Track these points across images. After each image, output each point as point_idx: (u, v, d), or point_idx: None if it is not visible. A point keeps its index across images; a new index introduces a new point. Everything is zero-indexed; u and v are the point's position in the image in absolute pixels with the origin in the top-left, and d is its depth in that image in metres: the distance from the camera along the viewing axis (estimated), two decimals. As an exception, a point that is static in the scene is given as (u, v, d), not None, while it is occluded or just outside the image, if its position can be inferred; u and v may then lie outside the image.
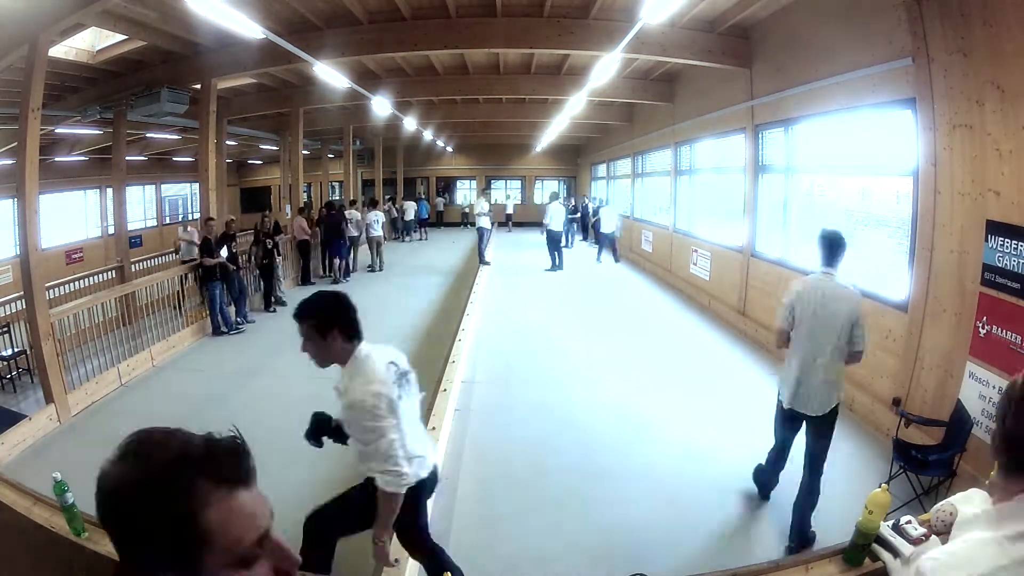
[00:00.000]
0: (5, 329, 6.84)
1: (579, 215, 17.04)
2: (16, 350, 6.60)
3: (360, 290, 9.96)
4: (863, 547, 1.60)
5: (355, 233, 12.21)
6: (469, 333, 6.74)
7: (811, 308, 3.00)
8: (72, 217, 15.81)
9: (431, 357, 6.02)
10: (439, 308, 9.00)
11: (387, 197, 20.40)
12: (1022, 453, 0.98)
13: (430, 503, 2.65)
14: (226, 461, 0.67)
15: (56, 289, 8.21)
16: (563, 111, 11.59)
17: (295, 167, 11.92)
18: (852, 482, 3.70)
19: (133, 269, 10.09)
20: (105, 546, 1.68)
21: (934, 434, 3.70)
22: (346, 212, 12.19)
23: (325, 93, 10.65)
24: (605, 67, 7.05)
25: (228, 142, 13.31)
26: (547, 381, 5.64)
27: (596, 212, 14.89)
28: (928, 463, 3.29)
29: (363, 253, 13.03)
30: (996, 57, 3.40)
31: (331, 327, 2.00)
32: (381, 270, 12.73)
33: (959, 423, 3.44)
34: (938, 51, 3.89)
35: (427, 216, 20.84)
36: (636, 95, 10.91)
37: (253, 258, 9.08)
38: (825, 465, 3.08)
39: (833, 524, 2.94)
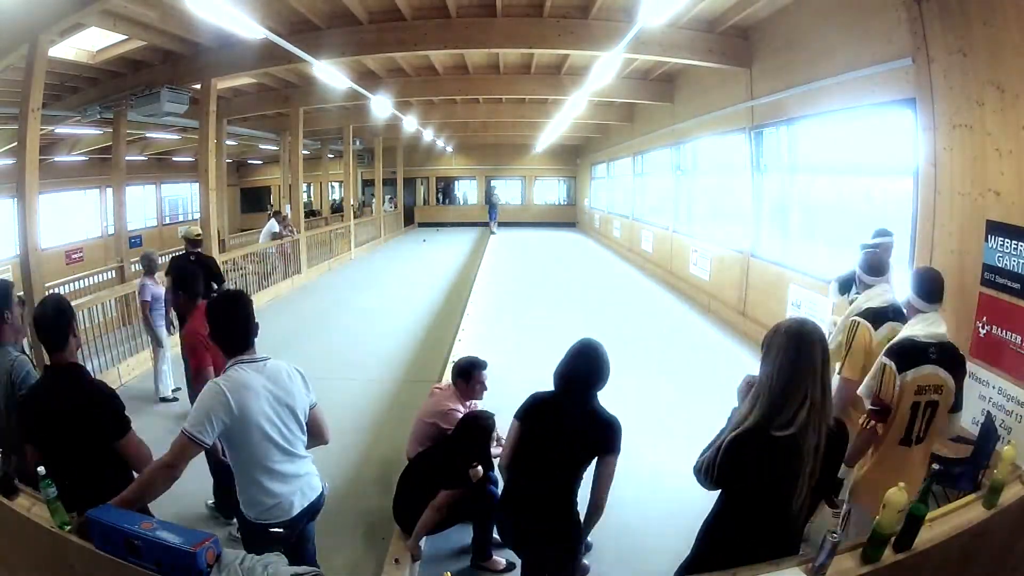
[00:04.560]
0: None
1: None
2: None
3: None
4: (882, 543, 1.61)
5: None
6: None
7: None
8: (72, 217, 15.81)
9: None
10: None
11: (388, 197, 20.46)
12: None
13: None
14: None
15: (56, 289, 8.20)
16: (563, 111, 11.58)
17: (295, 167, 11.92)
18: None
19: (133, 269, 10.08)
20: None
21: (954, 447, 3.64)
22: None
23: (325, 93, 10.63)
24: (605, 67, 7.04)
25: (228, 142, 13.30)
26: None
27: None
28: (955, 476, 3.23)
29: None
30: (996, 57, 3.40)
31: None
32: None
33: (986, 437, 3.36)
34: (938, 51, 3.89)
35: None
36: (636, 95, 10.91)
37: None
38: None
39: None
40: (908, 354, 2.31)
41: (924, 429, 2.34)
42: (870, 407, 2.38)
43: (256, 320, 2.04)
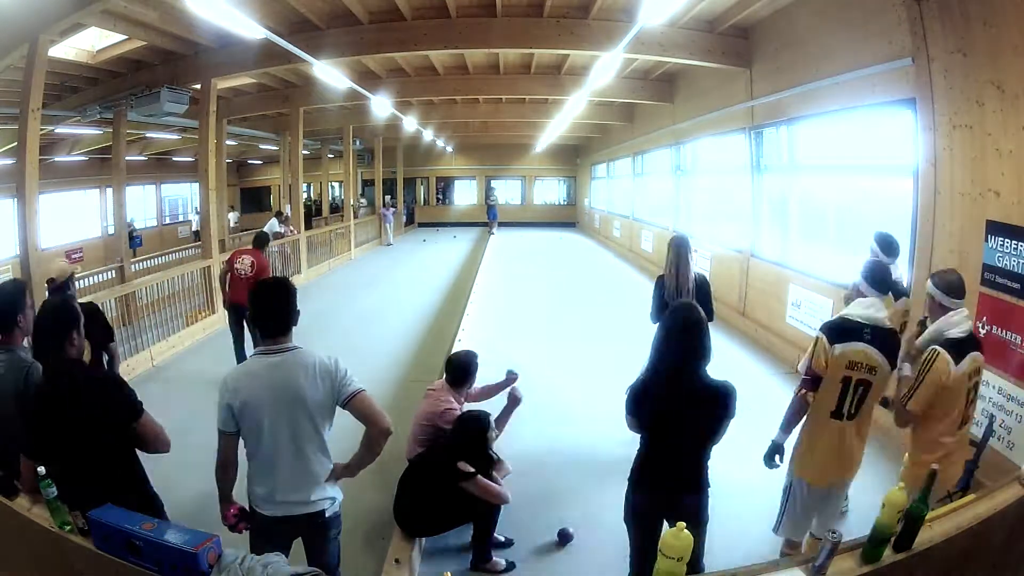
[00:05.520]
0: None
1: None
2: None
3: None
4: (882, 543, 1.61)
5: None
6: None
7: None
8: (72, 217, 15.81)
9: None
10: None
11: (387, 197, 20.46)
12: None
13: None
14: None
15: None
16: (563, 111, 11.58)
17: (295, 167, 11.92)
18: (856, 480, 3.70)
19: (133, 269, 10.08)
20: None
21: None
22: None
23: (325, 93, 10.64)
24: (605, 67, 7.04)
25: (228, 142, 13.32)
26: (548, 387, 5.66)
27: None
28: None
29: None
30: (996, 57, 3.40)
31: None
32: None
33: (984, 439, 3.35)
34: (938, 51, 3.89)
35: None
36: (636, 95, 10.91)
37: None
38: None
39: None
40: (840, 331, 2.39)
41: (855, 406, 2.38)
42: (803, 376, 2.50)
43: (287, 311, 2.03)
